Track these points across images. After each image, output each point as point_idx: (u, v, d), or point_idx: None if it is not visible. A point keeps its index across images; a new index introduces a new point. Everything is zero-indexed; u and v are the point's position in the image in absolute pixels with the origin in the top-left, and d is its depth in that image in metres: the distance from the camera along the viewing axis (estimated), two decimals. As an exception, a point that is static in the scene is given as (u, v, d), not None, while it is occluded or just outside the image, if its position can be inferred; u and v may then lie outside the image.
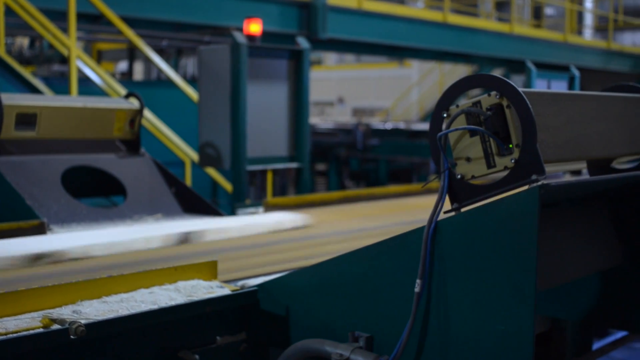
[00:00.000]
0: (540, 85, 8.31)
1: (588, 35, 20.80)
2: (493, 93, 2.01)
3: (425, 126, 13.65)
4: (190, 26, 9.29)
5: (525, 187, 1.92)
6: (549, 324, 3.00)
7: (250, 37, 6.35)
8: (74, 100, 4.50)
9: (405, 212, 4.71)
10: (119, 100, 4.64)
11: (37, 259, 3.02)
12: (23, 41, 12.61)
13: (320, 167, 14.13)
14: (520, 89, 1.98)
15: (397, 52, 13.33)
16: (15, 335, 1.97)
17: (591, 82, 14.00)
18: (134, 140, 4.56)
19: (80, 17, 7.57)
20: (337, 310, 2.32)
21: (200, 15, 8.78)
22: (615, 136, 2.47)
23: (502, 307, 1.95)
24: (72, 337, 2.00)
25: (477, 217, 1.99)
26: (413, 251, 2.08)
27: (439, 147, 2.06)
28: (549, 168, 1.99)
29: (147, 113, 7.07)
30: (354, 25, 10.51)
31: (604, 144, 2.41)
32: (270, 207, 4.64)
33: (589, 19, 21.40)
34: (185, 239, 3.55)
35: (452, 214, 2.06)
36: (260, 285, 2.51)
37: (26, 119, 4.04)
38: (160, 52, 10.39)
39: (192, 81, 8.88)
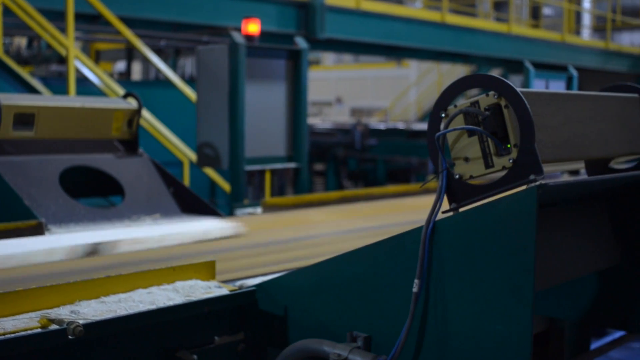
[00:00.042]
0: (538, 85, 8.32)
1: (586, 35, 20.82)
2: (491, 93, 2.01)
3: (423, 126, 13.66)
4: (188, 26, 9.28)
5: (523, 187, 1.93)
6: (547, 324, 3.00)
7: (249, 37, 6.35)
8: (72, 100, 4.50)
9: (403, 212, 4.71)
10: (117, 100, 4.64)
11: None
12: (21, 41, 12.60)
13: (319, 167, 14.13)
14: (518, 89, 1.98)
15: (395, 52, 13.33)
16: (13, 335, 1.97)
17: (589, 82, 14.00)
18: (132, 141, 4.56)
19: (78, 17, 7.57)
20: (336, 310, 2.32)
21: (198, 15, 8.78)
22: (613, 136, 2.47)
23: (500, 307, 1.95)
24: (70, 337, 2.00)
25: (475, 217, 1.99)
26: (411, 251, 2.08)
27: (437, 147, 2.06)
28: (547, 168, 1.99)
29: (145, 113, 7.07)
30: (352, 25, 10.51)
31: (602, 144, 2.41)
32: (268, 207, 4.65)
33: (587, 19, 21.42)
34: (93, 250, 3.27)
35: (450, 214, 2.06)
36: (258, 285, 2.51)
37: (24, 119, 4.03)
38: (158, 52, 10.40)
39: (190, 81, 8.88)
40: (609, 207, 2.71)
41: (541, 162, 1.95)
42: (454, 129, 2.06)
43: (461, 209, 2.06)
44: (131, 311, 2.21)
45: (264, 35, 7.74)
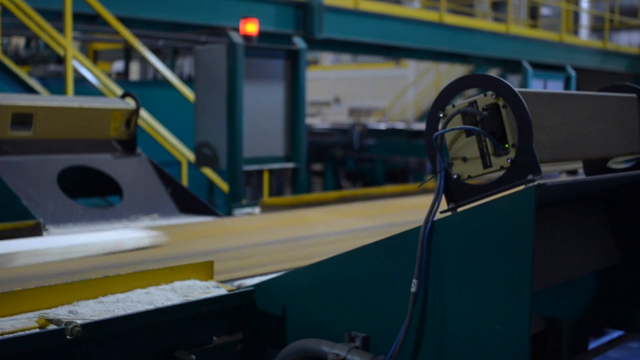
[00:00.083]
0: (536, 85, 8.33)
1: (584, 35, 20.82)
2: (489, 93, 2.01)
3: (422, 126, 13.64)
4: (186, 26, 9.29)
5: (522, 187, 1.93)
6: (545, 324, 3.01)
7: (247, 37, 6.35)
8: (70, 100, 4.50)
9: (401, 212, 4.71)
10: (115, 101, 4.64)
11: None
12: (19, 41, 12.59)
13: (317, 167, 14.13)
14: (517, 89, 1.98)
15: (394, 52, 13.33)
16: (11, 335, 1.97)
17: (587, 82, 14.01)
18: (130, 141, 4.56)
19: (77, 17, 7.57)
20: (334, 310, 2.32)
21: (196, 15, 8.78)
22: (611, 136, 2.47)
23: (498, 307, 1.95)
24: (68, 337, 2.00)
25: (473, 217, 1.99)
26: (409, 251, 2.08)
27: (435, 147, 2.06)
28: (545, 168, 1.99)
29: (144, 113, 7.07)
30: (350, 25, 10.51)
31: (600, 144, 2.41)
32: (266, 207, 4.65)
33: (585, 19, 21.43)
34: None
35: (449, 213, 2.06)
36: (256, 285, 2.51)
37: (22, 119, 4.03)
38: (156, 52, 10.40)
39: (188, 81, 8.88)
40: (607, 207, 2.71)
41: (539, 162, 1.95)
42: (452, 129, 2.06)
43: (459, 209, 2.06)
44: (129, 311, 2.21)
45: (262, 35, 7.73)
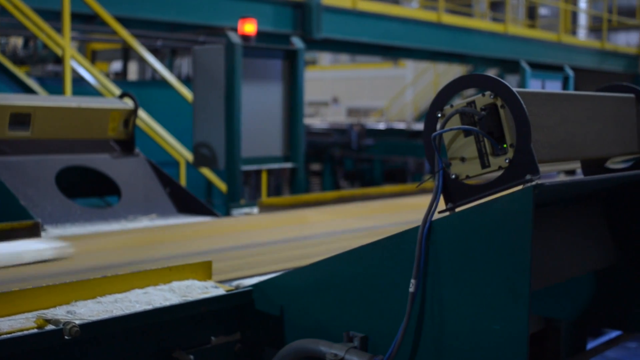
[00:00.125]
0: (534, 85, 8.33)
1: (582, 35, 20.84)
2: (487, 93, 2.01)
3: (420, 126, 13.66)
4: (184, 26, 9.28)
5: (520, 187, 1.93)
6: (543, 324, 3.01)
7: (245, 37, 6.35)
8: (68, 100, 4.49)
9: (399, 212, 4.71)
10: (113, 101, 4.64)
11: None
12: (17, 41, 12.59)
13: (315, 167, 14.13)
14: (515, 89, 1.98)
15: (392, 52, 13.33)
16: (9, 335, 1.97)
17: (585, 82, 14.03)
18: (128, 141, 4.56)
19: (75, 17, 7.56)
20: (332, 310, 2.32)
21: (194, 15, 8.78)
22: (609, 136, 2.47)
23: (496, 307, 1.95)
24: (66, 337, 2.00)
25: (471, 217, 1.99)
26: (407, 251, 2.08)
27: (433, 147, 2.06)
28: (543, 168, 1.99)
29: (142, 113, 7.07)
30: (349, 25, 10.51)
31: (598, 144, 2.41)
32: (265, 207, 4.65)
33: (583, 19, 21.45)
34: None
35: (447, 213, 2.06)
36: (255, 285, 2.51)
37: (20, 119, 4.03)
38: (154, 52, 10.39)
39: (186, 81, 8.88)
40: (605, 207, 2.71)
41: (537, 162, 1.95)
42: (450, 129, 2.06)
43: (457, 209, 2.06)
44: (127, 311, 2.21)
45: (260, 35, 7.73)
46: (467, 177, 2.07)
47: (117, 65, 15.13)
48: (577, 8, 20.40)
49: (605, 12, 17.03)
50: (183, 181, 7.55)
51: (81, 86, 7.46)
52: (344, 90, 27.65)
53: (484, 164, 2.04)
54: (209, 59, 6.16)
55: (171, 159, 7.58)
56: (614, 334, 3.22)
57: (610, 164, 2.64)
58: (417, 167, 12.44)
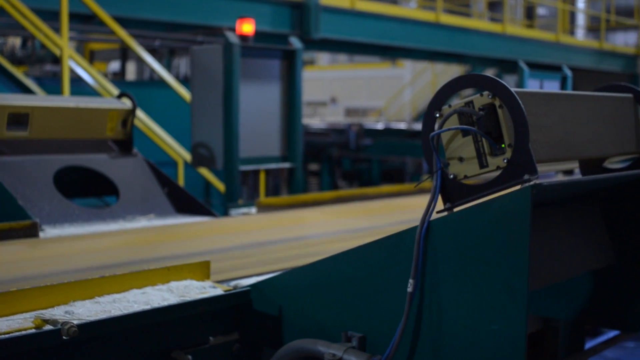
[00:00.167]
0: (532, 85, 8.33)
1: (580, 35, 20.85)
2: (485, 93, 2.01)
3: (419, 126, 13.66)
4: (183, 26, 9.28)
5: (518, 187, 1.93)
6: (541, 324, 3.00)
7: (243, 37, 6.35)
8: (66, 100, 4.49)
9: (397, 212, 4.71)
10: (112, 101, 4.64)
11: None
12: (15, 41, 12.57)
13: (313, 167, 14.14)
14: (513, 89, 1.98)
15: (390, 52, 13.34)
16: (7, 336, 1.97)
17: (583, 82, 14.04)
18: (127, 141, 4.56)
19: (73, 17, 7.56)
20: (330, 310, 2.32)
21: (193, 15, 8.78)
22: (607, 136, 2.47)
23: (494, 307, 1.95)
24: (64, 337, 2.00)
25: (469, 217, 1.99)
26: (406, 251, 2.08)
27: (431, 147, 2.06)
28: (541, 168, 1.99)
29: (140, 113, 7.06)
30: (347, 25, 10.51)
31: (596, 144, 2.41)
32: (263, 207, 4.65)
33: (581, 19, 21.46)
34: None
35: (445, 213, 2.06)
36: (253, 285, 2.51)
37: (18, 119, 4.03)
38: (152, 52, 10.38)
39: (184, 81, 8.88)
40: (603, 207, 2.72)
41: (535, 162, 1.95)
42: (449, 129, 2.06)
43: (455, 209, 2.06)
44: (125, 311, 2.20)
45: (258, 35, 7.73)
46: (465, 177, 2.07)
47: (115, 65, 15.12)
48: (575, 8, 20.41)
49: (604, 12, 17.05)
50: (181, 181, 7.55)
51: (79, 86, 7.46)
52: (342, 90, 27.66)
53: (482, 164, 2.04)
54: (207, 59, 6.16)
55: (169, 159, 7.57)
56: (612, 333, 3.21)
57: (608, 164, 2.64)
58: (415, 167, 12.45)
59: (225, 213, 5.30)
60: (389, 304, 2.15)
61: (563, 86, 8.69)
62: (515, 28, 14.81)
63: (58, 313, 2.14)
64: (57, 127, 4.21)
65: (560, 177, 5.60)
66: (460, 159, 2.06)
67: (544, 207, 2.40)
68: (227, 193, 6.14)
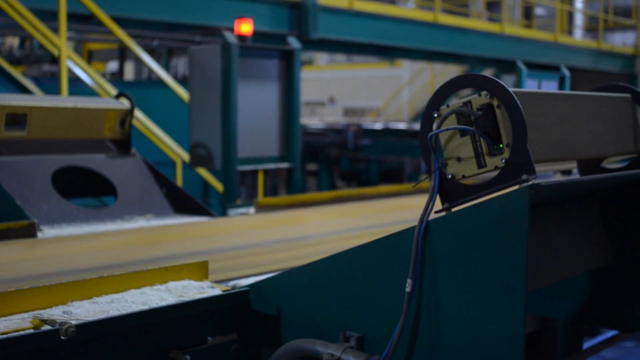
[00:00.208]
0: (530, 85, 8.33)
1: (578, 35, 20.86)
2: (483, 93, 2.01)
3: (418, 126, 13.67)
4: (181, 26, 9.27)
5: (516, 187, 1.93)
6: (539, 324, 3.01)
7: (241, 37, 6.35)
8: (65, 100, 4.49)
9: (396, 212, 4.71)
10: (110, 101, 4.64)
11: None
12: (13, 41, 12.56)
13: (311, 167, 14.13)
14: (511, 89, 1.98)
15: (388, 52, 13.34)
16: (5, 336, 1.96)
17: (581, 82, 14.04)
18: (125, 141, 4.56)
19: (71, 17, 7.55)
20: (329, 310, 2.32)
21: (191, 15, 8.77)
22: (605, 136, 2.48)
23: (493, 307, 1.95)
24: (62, 337, 1.99)
25: (467, 217, 1.99)
26: (404, 251, 2.08)
27: (429, 147, 2.06)
28: (539, 168, 1.99)
29: (138, 113, 7.06)
30: (345, 25, 10.51)
31: (594, 144, 2.41)
32: (261, 207, 4.65)
33: (579, 19, 21.47)
34: None
35: (443, 213, 2.07)
36: (251, 286, 2.51)
37: (16, 119, 4.02)
38: (151, 52, 10.37)
39: (183, 81, 8.87)
40: (601, 206, 2.72)
41: (533, 161, 1.95)
42: (447, 129, 2.06)
43: (454, 209, 2.06)
44: (124, 312, 2.20)
45: (256, 35, 7.74)
46: (464, 177, 2.07)
47: (113, 65, 15.11)
48: (573, 8, 20.42)
49: (602, 12, 17.06)
50: (179, 181, 7.55)
51: (77, 86, 7.45)
52: (341, 90, 27.66)
53: (480, 164, 2.04)
54: (205, 59, 6.16)
55: (167, 159, 7.57)
56: (610, 333, 3.22)
57: (606, 164, 2.64)
58: (413, 167, 12.45)
59: (223, 213, 5.30)
60: (387, 304, 2.15)
61: (561, 86, 8.69)
62: (513, 28, 14.82)
63: (56, 313, 2.14)
64: (55, 127, 4.21)
65: (559, 177, 5.61)
66: (459, 159, 2.06)
67: (542, 207, 2.40)
68: (226, 193, 6.14)
